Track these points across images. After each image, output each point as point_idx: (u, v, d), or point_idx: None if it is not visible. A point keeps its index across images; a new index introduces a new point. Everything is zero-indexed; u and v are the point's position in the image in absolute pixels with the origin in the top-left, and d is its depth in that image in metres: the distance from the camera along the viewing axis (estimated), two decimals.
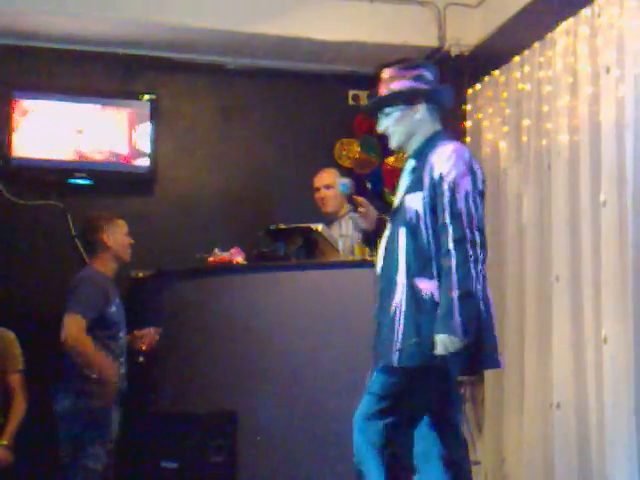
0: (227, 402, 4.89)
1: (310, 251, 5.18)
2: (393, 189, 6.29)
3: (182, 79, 6.29)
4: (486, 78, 5.85)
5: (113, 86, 6.15)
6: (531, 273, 5.19)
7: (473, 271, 3.35)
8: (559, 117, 4.97)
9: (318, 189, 5.69)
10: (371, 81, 6.38)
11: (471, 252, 3.37)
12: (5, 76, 5.93)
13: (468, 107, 6.03)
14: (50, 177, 5.96)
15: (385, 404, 3.51)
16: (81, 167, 5.99)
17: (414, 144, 3.67)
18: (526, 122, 5.33)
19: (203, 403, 5.04)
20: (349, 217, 5.16)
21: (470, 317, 3.33)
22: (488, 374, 5.64)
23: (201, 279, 5.18)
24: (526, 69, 5.35)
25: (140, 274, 5.41)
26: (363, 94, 6.47)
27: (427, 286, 3.45)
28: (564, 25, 4.96)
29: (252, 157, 6.29)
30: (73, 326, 4.68)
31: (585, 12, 4.77)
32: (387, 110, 3.68)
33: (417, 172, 3.58)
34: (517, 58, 5.45)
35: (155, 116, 6.09)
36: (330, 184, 5.61)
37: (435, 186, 3.48)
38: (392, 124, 3.68)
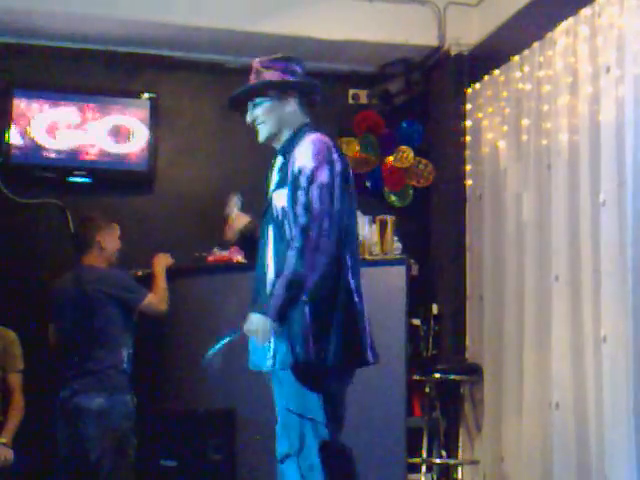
0: (226, 400, 4.88)
1: None
2: (393, 188, 6.36)
3: (182, 78, 6.28)
4: (486, 77, 5.86)
5: (113, 84, 6.15)
6: (530, 273, 5.19)
7: (312, 260, 3.27)
8: (559, 117, 4.97)
9: None
10: (371, 80, 6.44)
11: (315, 242, 3.29)
12: (5, 74, 5.93)
13: (468, 106, 6.04)
14: (49, 175, 5.95)
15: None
16: (80, 165, 5.98)
17: (282, 138, 3.61)
18: (526, 122, 5.34)
19: (202, 401, 5.04)
20: None
21: (290, 302, 3.30)
22: (487, 373, 5.65)
23: (200, 278, 5.18)
24: (526, 69, 5.35)
25: (139, 273, 5.41)
26: (363, 93, 6.47)
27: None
28: (564, 25, 4.96)
29: (251, 156, 6.27)
30: (155, 303, 5.00)
31: (585, 12, 4.77)
32: (257, 100, 3.60)
33: (284, 167, 3.53)
34: (517, 57, 5.46)
35: (155, 115, 6.08)
36: None
37: (295, 180, 3.41)
38: (262, 115, 3.59)
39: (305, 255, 3.27)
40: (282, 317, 3.31)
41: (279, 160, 3.61)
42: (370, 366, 3.56)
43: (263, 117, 3.60)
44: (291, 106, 3.60)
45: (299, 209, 3.34)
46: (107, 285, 4.93)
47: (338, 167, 3.43)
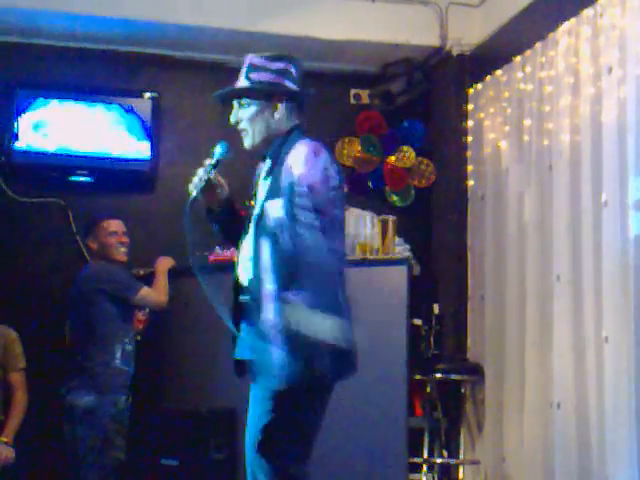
0: (227, 399, 4.89)
1: None
2: (394, 188, 6.36)
3: (184, 77, 6.28)
4: (488, 78, 5.86)
5: (115, 84, 6.15)
6: (532, 273, 5.19)
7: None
8: (561, 117, 4.97)
9: None
10: (373, 80, 6.44)
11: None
12: (8, 73, 5.93)
13: (470, 106, 6.04)
14: (51, 174, 5.96)
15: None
16: (82, 164, 5.98)
17: (272, 143, 3.35)
18: (527, 122, 5.34)
19: (203, 401, 5.05)
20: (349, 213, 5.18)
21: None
22: (489, 373, 5.66)
23: (201, 277, 5.17)
24: (528, 69, 5.35)
25: (141, 272, 5.42)
26: (365, 93, 6.47)
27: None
28: (566, 25, 4.96)
29: (253, 155, 6.28)
30: (150, 296, 5.06)
31: (587, 12, 4.77)
32: (244, 101, 3.34)
33: (275, 175, 3.27)
34: (519, 58, 5.46)
35: (157, 114, 6.09)
36: None
37: (293, 191, 3.17)
38: (247, 120, 3.34)
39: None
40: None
41: (267, 164, 3.37)
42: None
43: (247, 124, 3.35)
44: (279, 112, 3.35)
45: (301, 226, 3.14)
46: (99, 280, 4.99)
47: (333, 176, 3.23)
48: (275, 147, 3.35)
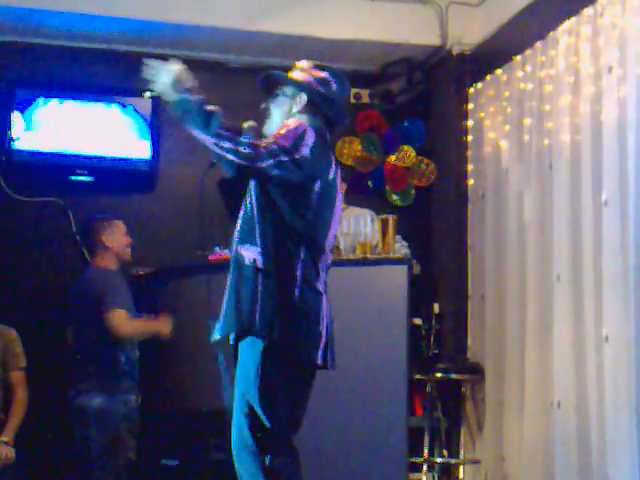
0: (228, 399, 4.89)
1: None
2: (395, 187, 6.36)
3: None
4: (488, 77, 5.86)
5: (115, 83, 6.15)
6: (532, 272, 5.19)
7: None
8: (561, 116, 4.97)
9: None
10: (373, 79, 6.44)
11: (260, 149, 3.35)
12: (8, 73, 5.94)
13: (470, 106, 6.04)
14: (51, 174, 5.96)
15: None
16: (82, 164, 5.98)
17: None
18: (528, 121, 5.34)
19: (203, 400, 5.04)
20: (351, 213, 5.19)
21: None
22: (489, 373, 5.66)
23: (201, 277, 5.17)
24: (528, 68, 5.36)
25: (141, 271, 5.42)
26: (365, 92, 6.47)
27: (249, 253, 3.39)
28: (566, 24, 4.96)
29: None
30: (118, 320, 4.88)
31: (587, 12, 4.78)
32: (277, 91, 3.59)
33: None
34: (519, 57, 5.46)
35: (157, 113, 6.08)
36: None
37: None
38: (271, 106, 3.62)
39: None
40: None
41: None
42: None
43: (271, 109, 3.62)
44: (297, 108, 3.54)
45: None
46: (92, 286, 4.98)
47: (304, 151, 3.36)
48: None
